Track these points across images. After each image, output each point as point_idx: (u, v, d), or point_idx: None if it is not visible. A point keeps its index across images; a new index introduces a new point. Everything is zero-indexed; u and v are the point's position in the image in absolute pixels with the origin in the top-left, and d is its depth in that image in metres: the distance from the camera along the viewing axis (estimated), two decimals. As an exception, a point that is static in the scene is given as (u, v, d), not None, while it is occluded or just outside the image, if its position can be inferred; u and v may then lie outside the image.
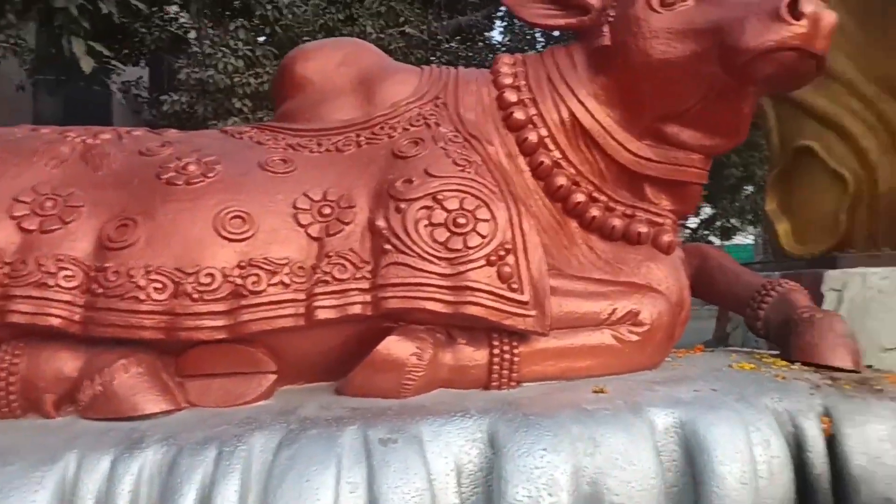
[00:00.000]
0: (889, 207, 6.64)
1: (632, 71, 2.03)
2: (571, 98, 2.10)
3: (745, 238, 20.39)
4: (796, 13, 1.75)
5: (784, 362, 2.02)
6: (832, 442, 1.67)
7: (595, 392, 1.75)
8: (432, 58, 9.15)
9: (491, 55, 11.04)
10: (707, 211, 17.39)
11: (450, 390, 1.80)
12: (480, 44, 11.98)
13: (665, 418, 1.64)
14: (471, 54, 10.17)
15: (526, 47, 11.86)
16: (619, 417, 1.61)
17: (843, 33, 7.63)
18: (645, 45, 1.99)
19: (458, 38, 10.48)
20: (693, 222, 18.49)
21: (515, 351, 1.81)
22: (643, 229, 2.08)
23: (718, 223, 17.30)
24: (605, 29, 2.08)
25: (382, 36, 7.87)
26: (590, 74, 2.11)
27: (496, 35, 12.87)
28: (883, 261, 4.88)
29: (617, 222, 2.09)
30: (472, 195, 1.81)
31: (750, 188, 15.54)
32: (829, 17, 1.77)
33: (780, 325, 2.12)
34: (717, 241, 19.15)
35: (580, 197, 2.09)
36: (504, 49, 12.31)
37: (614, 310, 1.90)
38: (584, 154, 2.10)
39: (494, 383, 1.80)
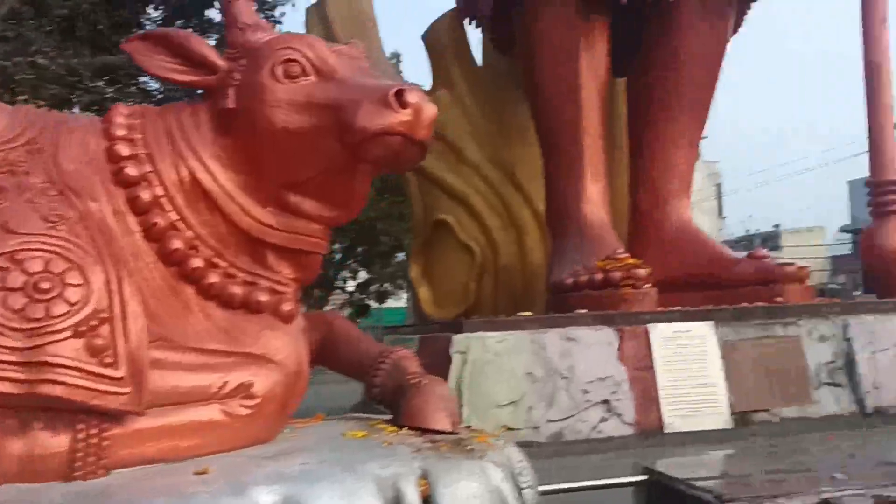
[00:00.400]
0: (507, 278, 7.67)
1: (255, 137, 2.01)
2: (193, 158, 2.00)
3: (398, 301, 21.83)
4: (403, 102, 1.89)
5: (394, 427, 2.10)
6: (428, 502, 1.75)
7: (197, 474, 1.62)
8: (72, 96, 8.34)
9: (147, 101, 10.43)
10: (363, 275, 18.30)
11: (20, 485, 1.53)
12: (133, 88, 11.26)
13: (269, 496, 1.57)
14: (120, 98, 9.49)
15: (184, 97, 11.40)
16: (219, 500, 1.51)
17: (472, 122, 8.71)
18: (268, 114, 1.99)
19: (105, 78, 9.72)
20: (351, 286, 19.32)
21: (105, 434, 1.61)
22: (264, 298, 2.03)
23: (374, 287, 18.31)
24: (231, 92, 2.04)
25: (7, 64, 6.95)
26: (214, 135, 2.04)
27: (152, 80, 12.23)
28: (499, 326, 5.55)
29: (237, 290, 2.01)
30: (62, 256, 1.60)
31: (401, 255, 16.78)
32: (430, 109, 1.95)
33: (393, 392, 2.22)
34: (373, 304, 20.22)
35: (198, 262, 1.98)
36: (160, 96, 11.70)
37: (225, 382, 1.81)
38: (204, 217, 2.00)
39: (78, 473, 1.58)
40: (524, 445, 4.96)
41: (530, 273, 7.56)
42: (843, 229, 27.29)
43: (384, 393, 2.27)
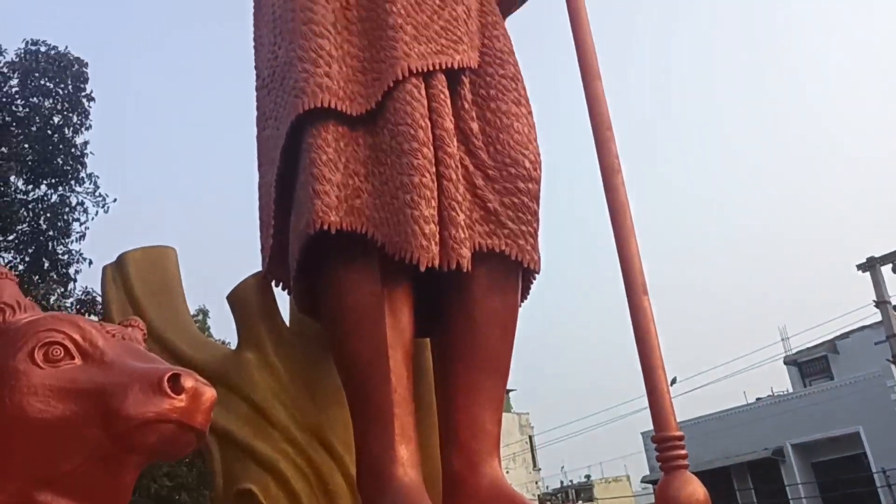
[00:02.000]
0: (317, 549, 7.08)
1: (3, 427, 1.84)
2: None
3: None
4: (177, 387, 1.85)
5: None
6: None
7: None
8: None
9: None
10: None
11: None
12: None
13: None
14: None
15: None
16: None
17: (280, 384, 8.57)
18: (21, 401, 1.85)
19: None
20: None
21: None
22: None
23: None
24: None
25: None
26: None
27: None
28: None
29: None
30: None
31: (204, 529, 15.16)
32: (209, 394, 1.91)
33: None
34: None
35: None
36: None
37: None
38: None
39: None
40: None
41: (342, 542, 7.08)
42: (645, 480, 28.68)
43: None
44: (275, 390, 7.54)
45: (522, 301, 9.22)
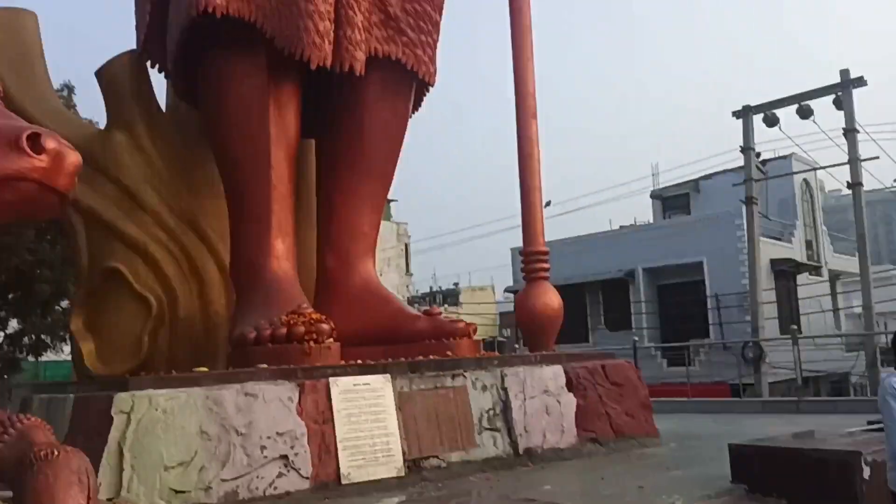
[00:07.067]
0: (187, 332, 7.28)
1: None
2: None
3: (61, 356, 19.34)
4: (37, 147, 1.76)
5: (8, 507, 1.88)
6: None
7: None
8: None
9: None
10: (15, 325, 15.92)
11: None
12: None
13: None
14: None
15: None
16: None
17: (152, 168, 8.25)
18: None
19: None
20: (-1, 336, 16.67)
21: None
22: None
23: (27, 339, 15.99)
24: None
25: None
26: None
27: None
28: (171, 383, 5.24)
29: None
30: None
31: (65, 303, 14.95)
32: (73, 157, 1.83)
33: (16, 466, 1.98)
34: (30, 357, 17.60)
35: None
36: None
37: None
38: None
39: None
40: (194, 509, 4.69)
41: (213, 326, 7.27)
42: (508, 290, 30.69)
43: (3, 467, 2.01)
44: (147, 175, 7.30)
45: (413, 113, 9.10)
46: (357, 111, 7.50)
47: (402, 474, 5.73)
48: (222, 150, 7.19)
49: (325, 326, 6.21)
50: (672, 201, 31.29)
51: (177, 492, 4.65)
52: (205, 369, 6.01)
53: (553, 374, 7.02)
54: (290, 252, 7.10)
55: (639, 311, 26.69)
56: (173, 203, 7.27)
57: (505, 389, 6.64)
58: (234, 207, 7.18)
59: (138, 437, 4.61)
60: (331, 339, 6.25)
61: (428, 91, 8.13)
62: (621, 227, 31.57)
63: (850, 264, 25.89)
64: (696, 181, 30.41)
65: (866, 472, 4.54)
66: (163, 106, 7.83)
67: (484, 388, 6.53)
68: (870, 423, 5.97)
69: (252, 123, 6.88)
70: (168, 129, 7.51)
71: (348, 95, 7.45)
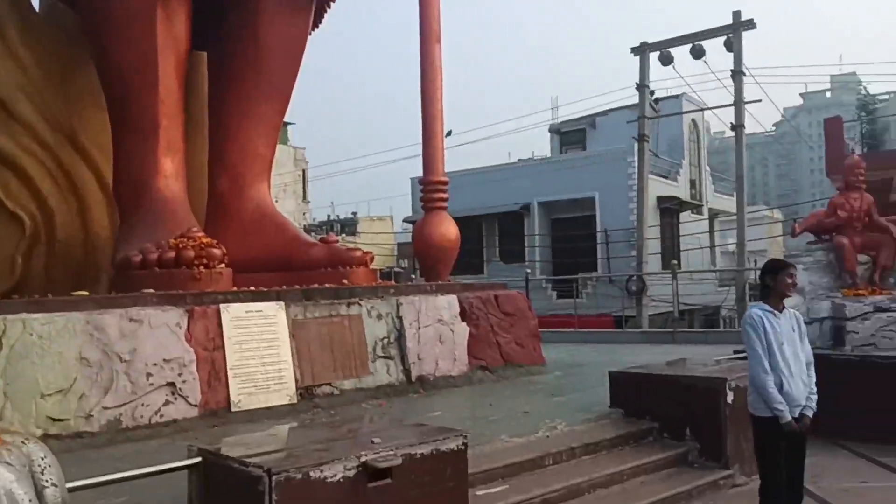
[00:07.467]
0: (65, 253, 6.89)
1: None
2: None
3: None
4: None
5: None
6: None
7: None
8: None
9: None
10: None
11: None
12: None
13: None
14: None
15: None
16: None
17: (27, 77, 7.60)
18: None
19: None
20: None
21: None
22: None
23: None
24: None
25: None
26: None
27: None
28: (48, 306, 4.96)
29: None
30: None
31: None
32: None
33: None
34: None
35: None
36: None
37: None
38: None
39: None
40: (74, 437, 4.55)
41: (94, 248, 6.90)
42: (406, 220, 30.70)
43: None
44: (20, 83, 6.71)
45: (314, 29, 8.72)
46: (254, 23, 7.12)
47: (295, 401, 5.73)
48: (104, 60, 6.67)
49: (216, 251, 6.01)
50: (569, 136, 31.88)
51: (55, 420, 4.46)
52: (85, 293, 5.72)
53: (447, 304, 7.12)
54: (179, 171, 6.77)
55: (532, 243, 27.41)
56: (49, 114, 6.73)
57: (400, 318, 6.69)
58: (118, 121, 6.73)
59: (12, 363, 4.36)
60: (222, 265, 6.07)
61: (329, 7, 7.80)
62: (519, 160, 31.98)
63: (729, 204, 27.37)
64: (592, 117, 31.03)
65: (730, 397, 4.92)
66: (36, 6, 7.17)
67: (379, 316, 6.56)
68: (736, 352, 6.45)
69: (137, 31, 6.39)
70: (43, 33, 6.88)
71: (245, 7, 7.04)
